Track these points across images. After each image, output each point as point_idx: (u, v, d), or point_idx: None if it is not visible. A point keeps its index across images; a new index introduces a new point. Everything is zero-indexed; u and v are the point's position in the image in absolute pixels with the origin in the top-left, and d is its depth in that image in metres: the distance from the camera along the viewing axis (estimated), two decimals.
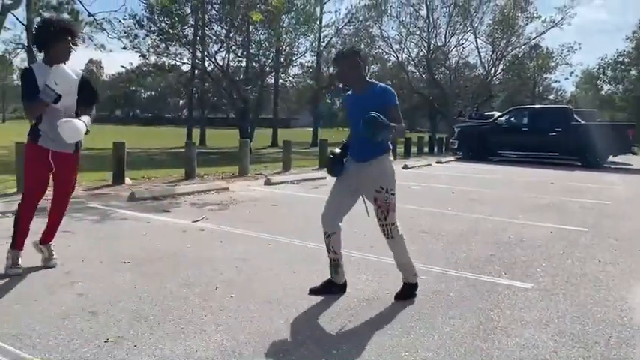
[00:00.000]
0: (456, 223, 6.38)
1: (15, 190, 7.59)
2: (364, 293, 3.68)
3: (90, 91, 3.90)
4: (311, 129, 36.68)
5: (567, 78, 75.37)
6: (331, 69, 33.23)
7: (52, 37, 3.55)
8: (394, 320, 3.23)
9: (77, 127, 3.61)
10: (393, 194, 3.49)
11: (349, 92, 3.67)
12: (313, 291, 3.63)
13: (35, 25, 3.78)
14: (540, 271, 4.40)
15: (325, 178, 10.98)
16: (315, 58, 30.16)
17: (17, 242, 3.85)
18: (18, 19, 27.43)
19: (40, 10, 25.92)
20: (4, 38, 30.05)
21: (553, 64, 35.18)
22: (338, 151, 3.61)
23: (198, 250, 4.71)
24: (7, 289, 3.53)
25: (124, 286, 3.67)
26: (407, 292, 3.59)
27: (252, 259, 4.46)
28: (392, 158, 3.58)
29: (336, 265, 3.63)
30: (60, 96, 3.50)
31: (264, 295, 3.59)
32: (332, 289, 3.65)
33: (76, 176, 4.06)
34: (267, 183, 9.83)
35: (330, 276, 3.67)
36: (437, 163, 16.60)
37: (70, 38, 3.63)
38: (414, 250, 4.92)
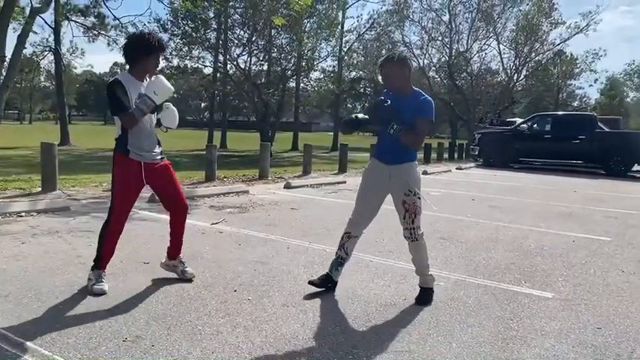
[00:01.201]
0: (475, 230, 6.31)
1: (40, 189, 7.75)
2: (381, 299, 3.65)
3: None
4: (331, 133, 36.72)
5: (592, 85, 74.16)
6: (352, 73, 33.33)
7: (146, 52, 3.51)
8: (411, 327, 3.20)
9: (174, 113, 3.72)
10: (419, 198, 3.56)
11: (388, 92, 3.62)
12: (312, 283, 3.74)
13: (129, 38, 3.71)
14: (562, 281, 4.33)
15: (345, 182, 10.99)
16: (336, 62, 30.18)
17: (101, 264, 3.63)
18: (46, 22, 28.13)
19: (68, 14, 26.46)
20: (32, 41, 30.73)
21: (577, 70, 34.65)
22: (361, 116, 3.63)
23: (217, 253, 4.74)
24: (27, 287, 3.59)
25: (143, 287, 3.71)
26: (426, 297, 3.63)
27: (271, 263, 4.47)
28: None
29: (340, 264, 3.75)
30: (157, 106, 3.51)
31: (282, 298, 3.59)
32: (329, 284, 3.74)
33: (180, 187, 3.90)
34: (287, 186, 9.85)
35: (329, 271, 3.76)
36: (457, 169, 16.47)
37: (160, 54, 3.62)
38: (433, 257, 4.88)
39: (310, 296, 3.65)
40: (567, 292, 4.02)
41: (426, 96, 3.53)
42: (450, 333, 3.13)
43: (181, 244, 3.93)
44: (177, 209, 3.85)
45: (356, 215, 3.71)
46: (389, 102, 3.42)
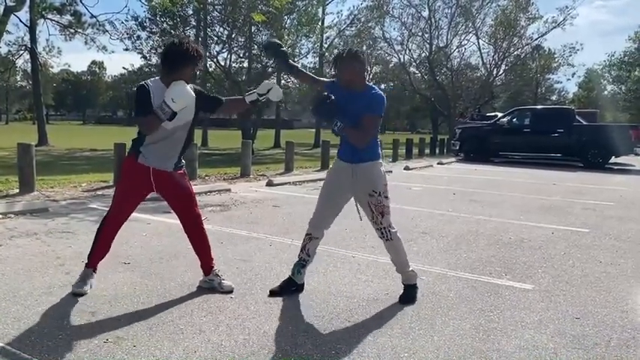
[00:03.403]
0: (456, 224, 6.37)
1: (17, 191, 7.62)
2: (364, 294, 3.67)
3: (209, 98, 3.71)
4: (313, 130, 36.70)
5: (570, 79, 75.29)
6: (333, 70, 33.35)
7: (186, 60, 3.38)
8: (393, 321, 3.22)
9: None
10: (387, 197, 3.48)
11: (335, 81, 3.57)
12: (274, 293, 3.60)
13: (169, 45, 3.52)
14: (541, 272, 4.39)
15: None
16: (317, 59, 30.17)
17: (92, 261, 3.61)
18: (21, 20, 27.64)
19: (43, 12, 26.03)
20: (7, 40, 30.19)
21: (555, 64, 35.10)
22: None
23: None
24: (6, 290, 3.54)
25: (124, 287, 3.67)
26: (411, 294, 3.59)
27: (253, 260, 4.47)
28: (383, 163, 3.59)
29: (302, 266, 3.66)
30: (175, 113, 3.30)
31: (264, 296, 3.59)
32: (292, 288, 3.65)
33: (194, 196, 3.73)
34: (270, 184, 9.83)
35: (291, 274, 3.68)
36: (438, 164, 16.59)
37: (198, 63, 3.48)
38: (415, 251, 4.94)
39: (292, 293, 3.65)
40: (547, 284, 4.08)
41: (377, 90, 3.43)
42: (432, 326, 3.16)
43: (208, 256, 3.75)
44: (189, 220, 3.70)
45: (317, 216, 3.62)
46: (332, 97, 3.30)
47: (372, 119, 3.36)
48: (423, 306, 3.50)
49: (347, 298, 3.61)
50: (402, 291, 3.63)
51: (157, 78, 3.48)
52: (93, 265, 3.62)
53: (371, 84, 3.55)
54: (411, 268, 3.62)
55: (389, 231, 3.49)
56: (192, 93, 3.36)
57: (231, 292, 3.64)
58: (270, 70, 24.70)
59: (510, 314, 3.40)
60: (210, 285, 3.70)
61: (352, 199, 3.58)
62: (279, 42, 3.91)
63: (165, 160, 3.51)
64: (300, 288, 3.69)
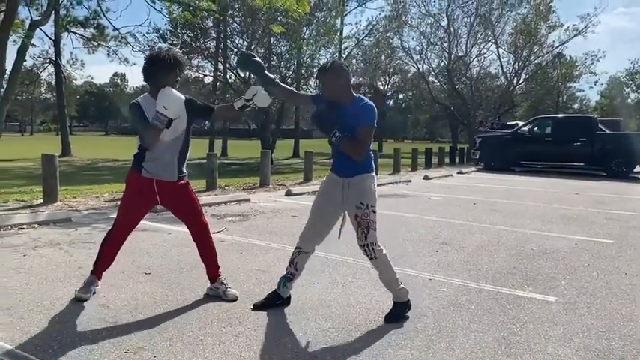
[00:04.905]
0: (477, 235, 6.30)
1: (41, 201, 7.76)
2: (383, 306, 3.63)
3: (201, 107, 3.73)
4: None
5: (592, 87, 74.31)
6: (352, 79, 33.39)
7: (165, 69, 3.47)
8: (413, 334, 3.19)
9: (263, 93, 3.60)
10: (374, 212, 3.34)
11: (320, 94, 3.53)
12: (257, 307, 3.55)
13: (147, 58, 3.62)
14: (564, 284, 4.32)
15: None
16: None
17: (96, 270, 3.72)
18: (46, 34, 28.30)
19: (67, 26, 26.60)
20: (32, 53, 30.90)
21: (577, 72, 34.73)
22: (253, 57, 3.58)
23: (219, 262, 4.72)
24: (30, 300, 3.59)
25: (145, 297, 3.70)
26: (398, 312, 3.44)
27: (272, 271, 4.47)
28: (375, 176, 3.47)
29: (289, 279, 3.60)
30: (171, 120, 3.36)
31: (284, 307, 3.58)
32: (277, 302, 3.59)
33: (199, 206, 3.80)
34: (288, 194, 9.85)
35: (277, 287, 3.61)
36: (458, 173, 16.47)
37: (178, 70, 3.56)
38: (435, 262, 4.90)
39: (312, 304, 3.64)
40: (570, 296, 4.01)
41: (366, 101, 3.34)
42: (453, 339, 3.12)
43: (214, 264, 3.82)
44: (197, 229, 3.77)
45: (307, 230, 3.54)
46: (330, 110, 3.28)
47: (364, 131, 3.27)
48: (444, 318, 3.45)
49: (366, 309, 3.58)
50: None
51: (146, 94, 3.58)
52: (98, 274, 3.74)
53: (359, 95, 3.43)
54: (401, 286, 3.47)
55: (373, 249, 3.34)
56: (181, 95, 3.41)
57: (235, 300, 3.68)
58: (289, 80, 24.86)
59: (533, 327, 3.34)
60: (216, 292, 3.76)
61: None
62: (251, 53, 3.90)
63: (168, 172, 3.59)
64: (285, 302, 3.62)
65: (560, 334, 3.24)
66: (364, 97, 3.41)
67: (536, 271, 4.69)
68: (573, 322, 3.46)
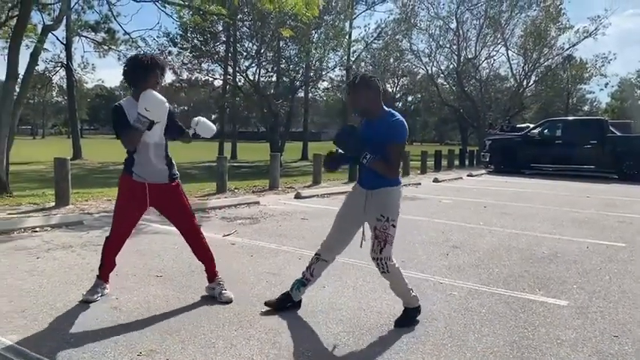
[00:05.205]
0: (488, 238, 6.27)
1: (53, 204, 7.83)
2: (394, 309, 3.63)
3: (175, 123, 3.76)
4: None
5: (602, 89, 73.73)
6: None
7: (143, 72, 3.51)
8: (425, 338, 3.18)
9: (207, 123, 3.71)
10: (394, 226, 3.30)
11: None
12: (268, 304, 3.58)
13: (126, 62, 3.68)
14: (576, 288, 4.29)
15: None
16: (344, 72, 30.29)
17: (102, 274, 3.79)
18: (58, 38, 28.57)
19: (79, 30, 26.84)
20: (44, 57, 31.17)
21: (587, 74, 34.49)
22: (335, 150, 3.45)
23: (229, 264, 4.75)
24: (43, 302, 3.63)
25: (156, 300, 3.73)
26: (409, 316, 3.42)
27: (283, 274, 4.48)
28: (401, 190, 3.40)
29: (303, 284, 3.58)
30: (153, 122, 3.40)
31: (295, 310, 3.59)
32: (287, 304, 3.59)
33: (189, 208, 3.83)
34: (298, 196, 9.87)
35: (290, 290, 3.61)
36: (468, 176, 16.40)
37: (159, 72, 3.59)
38: (446, 266, 4.88)
39: (323, 307, 3.65)
40: (582, 300, 3.98)
41: (397, 117, 3.24)
42: (464, 343, 3.11)
43: (210, 265, 3.87)
44: (188, 233, 3.84)
45: (329, 238, 3.51)
46: (355, 129, 3.26)
47: (394, 148, 3.22)
48: (455, 322, 3.45)
49: (377, 313, 3.58)
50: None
51: (129, 97, 3.63)
52: (104, 278, 3.80)
53: (390, 110, 3.32)
54: (413, 294, 3.43)
55: (386, 263, 3.27)
56: (163, 97, 3.43)
57: (229, 302, 3.70)
58: (297, 84, 24.93)
59: (545, 331, 3.32)
60: (212, 293, 3.81)
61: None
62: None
63: (158, 174, 3.65)
64: (296, 305, 3.61)
65: (572, 338, 3.22)
66: (395, 112, 3.31)
67: (547, 275, 4.66)
68: (586, 326, 3.44)
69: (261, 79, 24.91)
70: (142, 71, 3.52)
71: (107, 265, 3.79)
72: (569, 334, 3.29)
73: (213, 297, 3.77)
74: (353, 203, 3.45)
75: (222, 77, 26.94)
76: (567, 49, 31.15)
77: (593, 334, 3.31)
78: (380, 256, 3.27)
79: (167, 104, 3.48)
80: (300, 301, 3.64)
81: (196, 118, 3.77)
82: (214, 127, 3.81)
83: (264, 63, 24.13)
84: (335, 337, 3.18)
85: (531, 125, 21.44)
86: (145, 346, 2.94)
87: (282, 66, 24.26)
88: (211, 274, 3.86)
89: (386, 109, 3.31)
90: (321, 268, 3.57)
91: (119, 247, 3.79)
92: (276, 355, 2.88)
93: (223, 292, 3.78)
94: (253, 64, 23.84)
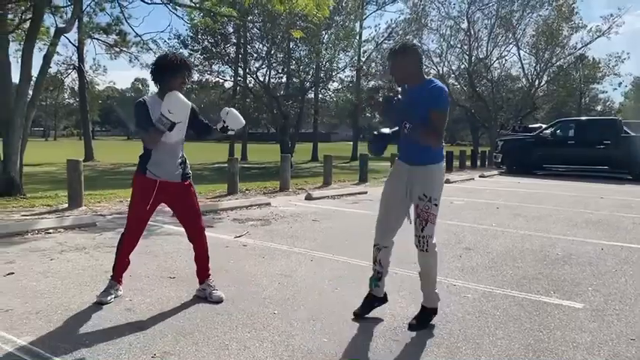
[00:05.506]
0: (501, 239, 6.23)
1: (66, 205, 7.88)
2: (407, 312, 3.61)
3: (202, 123, 3.81)
4: (351, 142, 36.72)
5: (616, 89, 72.92)
6: (371, 83, 33.36)
7: (171, 72, 3.53)
8: (439, 340, 3.16)
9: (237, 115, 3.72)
10: (436, 205, 3.29)
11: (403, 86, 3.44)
12: (357, 315, 3.50)
13: (154, 60, 3.73)
14: (591, 290, 4.24)
15: (366, 192, 10.96)
16: (354, 72, 30.28)
17: (116, 274, 3.81)
18: (70, 40, 28.80)
19: (91, 33, 27.04)
20: (56, 59, 31.43)
21: (600, 74, 34.15)
22: (385, 131, 3.43)
23: (241, 266, 4.75)
24: (57, 304, 3.65)
25: (170, 302, 3.74)
26: (424, 318, 3.39)
27: (295, 276, 4.47)
28: (443, 166, 3.37)
29: (378, 278, 3.53)
30: (174, 124, 3.42)
31: (307, 312, 3.58)
32: (374, 304, 3.55)
33: (198, 208, 3.88)
34: (308, 198, 9.86)
35: (369, 289, 3.56)
36: (480, 177, 16.30)
37: (187, 73, 3.62)
38: (459, 268, 4.85)
39: (336, 309, 3.63)
40: (598, 302, 3.94)
41: (436, 83, 3.21)
42: (479, 346, 3.08)
43: (205, 267, 3.91)
44: (193, 233, 3.86)
45: (379, 224, 3.46)
46: (398, 97, 3.26)
47: (438, 114, 3.16)
48: (470, 325, 3.42)
49: (391, 316, 3.56)
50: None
51: (153, 94, 3.67)
52: (117, 279, 3.82)
53: (430, 77, 3.33)
54: (437, 290, 3.41)
55: (427, 242, 3.27)
56: (188, 101, 3.47)
57: (219, 302, 3.72)
58: (307, 84, 24.94)
59: (561, 334, 3.29)
60: (202, 294, 3.84)
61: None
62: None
63: (172, 172, 3.67)
64: (383, 300, 3.58)
65: (588, 341, 3.18)
66: (434, 79, 3.29)
67: (562, 277, 4.62)
68: (602, 329, 3.40)
69: (272, 80, 25.01)
70: (170, 71, 3.54)
71: (121, 263, 3.81)
72: (585, 337, 3.25)
73: (204, 298, 3.80)
74: (395, 183, 3.40)
75: (232, 79, 27.03)
76: (580, 49, 30.91)
77: (609, 337, 3.26)
78: (422, 234, 3.27)
79: (190, 104, 3.51)
80: (385, 294, 3.58)
81: (226, 108, 3.77)
82: (243, 120, 3.80)
83: (274, 64, 24.21)
84: (347, 339, 3.16)
85: (544, 125, 21.27)
86: (159, 347, 2.95)
87: (293, 67, 24.30)
88: (203, 276, 3.90)
89: (426, 77, 3.30)
90: (386, 256, 3.50)
91: (133, 245, 3.82)
92: (289, 357, 2.88)
93: (213, 292, 3.82)
94: (263, 66, 23.93)
